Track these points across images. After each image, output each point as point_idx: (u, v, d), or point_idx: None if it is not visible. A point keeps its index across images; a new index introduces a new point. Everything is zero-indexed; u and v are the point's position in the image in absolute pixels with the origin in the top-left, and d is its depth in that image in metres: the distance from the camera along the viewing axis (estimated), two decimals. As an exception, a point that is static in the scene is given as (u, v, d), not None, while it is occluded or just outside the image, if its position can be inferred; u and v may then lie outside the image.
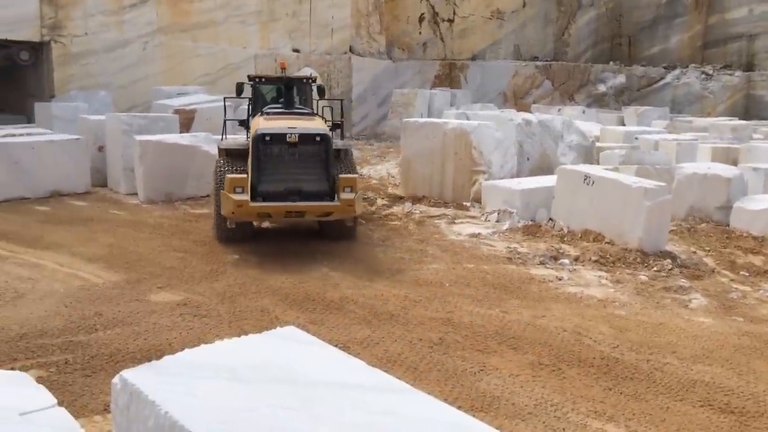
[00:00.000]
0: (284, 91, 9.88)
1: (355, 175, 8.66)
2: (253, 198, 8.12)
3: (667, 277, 8.10)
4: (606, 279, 7.90)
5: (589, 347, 5.73)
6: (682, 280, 8.01)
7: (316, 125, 8.88)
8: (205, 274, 7.48)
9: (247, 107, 10.31)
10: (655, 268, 8.36)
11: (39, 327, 5.71)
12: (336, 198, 8.30)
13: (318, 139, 8.45)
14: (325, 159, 8.48)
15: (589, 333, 6.06)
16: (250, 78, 10.11)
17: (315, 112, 9.98)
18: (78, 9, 17.30)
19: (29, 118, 16.28)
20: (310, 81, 10.39)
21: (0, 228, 9.25)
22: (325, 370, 3.00)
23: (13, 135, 12.40)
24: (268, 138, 8.31)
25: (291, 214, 8.35)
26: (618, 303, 7.05)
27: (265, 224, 9.98)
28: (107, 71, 17.85)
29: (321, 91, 10.15)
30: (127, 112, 15.54)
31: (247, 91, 10.01)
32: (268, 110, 9.49)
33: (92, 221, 9.98)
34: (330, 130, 9.74)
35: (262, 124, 8.75)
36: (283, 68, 10.59)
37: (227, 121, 10.07)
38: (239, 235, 8.85)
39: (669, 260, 8.62)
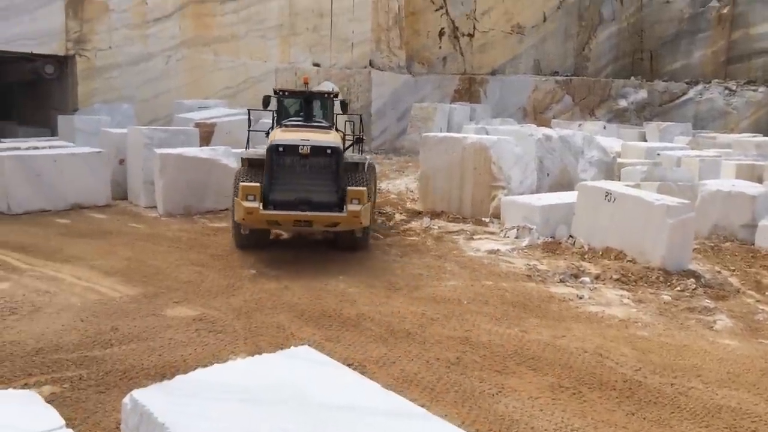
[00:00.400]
0: (304, 105, 10.24)
1: (363, 188, 8.75)
2: (266, 206, 8.42)
3: (690, 297, 7.93)
4: (628, 298, 7.74)
5: (611, 369, 5.59)
6: (707, 300, 7.83)
7: (329, 138, 9.11)
8: (221, 288, 7.45)
9: (272, 119, 10.65)
10: (678, 288, 8.19)
11: (55, 342, 5.70)
12: (344, 209, 8.51)
13: (329, 151, 8.72)
14: (335, 171, 8.75)
15: (611, 354, 5.92)
16: (275, 91, 10.45)
17: (333, 125, 10.18)
18: (103, 23, 17.54)
19: (53, 131, 16.48)
20: (332, 96, 10.68)
21: (20, 240, 9.31)
22: (339, 393, 2.93)
23: (36, 147, 12.54)
24: (281, 149, 8.66)
25: (299, 223, 8.60)
26: (640, 323, 6.89)
27: (284, 235, 10.08)
28: (130, 84, 18.05)
29: (344, 105, 10.51)
30: (149, 126, 15.67)
31: (274, 104, 10.35)
32: (287, 122, 9.91)
33: (111, 234, 10.02)
34: (352, 143, 10.39)
35: (278, 135, 9.15)
36: (306, 83, 10.87)
37: (251, 132, 10.44)
38: (254, 242, 9.17)
39: (693, 280, 8.45)
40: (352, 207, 8.46)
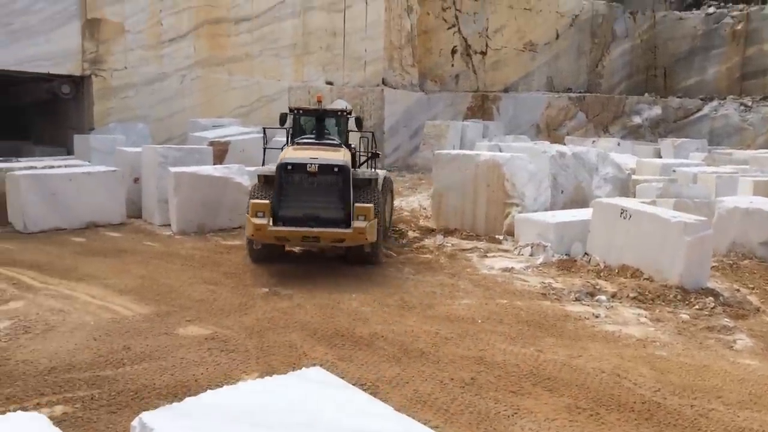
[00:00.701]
0: (316, 123, 10.40)
1: (370, 205, 8.87)
2: (275, 222, 8.68)
3: (709, 315, 7.79)
4: (645, 317, 7.62)
5: (629, 390, 5.48)
6: (726, 319, 7.69)
7: (338, 156, 9.24)
8: (234, 307, 7.42)
9: (286, 136, 10.92)
10: (696, 307, 8.05)
11: (67, 361, 5.69)
12: (351, 226, 8.71)
13: (336, 169, 8.90)
14: (342, 188, 8.93)
15: (629, 375, 5.81)
16: (290, 109, 10.68)
17: (342, 143, 10.28)
18: (118, 44, 17.76)
19: (69, 151, 16.64)
20: (345, 113, 10.81)
21: (35, 259, 9.36)
22: (351, 416, 2.88)
23: (52, 167, 12.65)
24: (290, 167, 8.89)
25: (307, 239, 8.85)
26: (658, 343, 6.77)
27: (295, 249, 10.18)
28: (145, 104, 18.23)
29: (358, 122, 10.67)
30: (164, 144, 15.79)
31: (289, 122, 10.56)
32: (300, 140, 10.09)
33: (126, 252, 10.05)
34: (367, 159, 10.72)
35: (288, 153, 9.35)
36: (320, 101, 11.09)
37: (267, 149, 10.72)
38: (267, 256, 9.43)
39: (711, 298, 8.31)
40: (357, 224, 8.66)
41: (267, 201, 8.75)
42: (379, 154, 11.24)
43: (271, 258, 9.47)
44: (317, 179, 8.91)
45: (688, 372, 6.00)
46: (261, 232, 8.57)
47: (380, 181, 10.29)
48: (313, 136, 10.20)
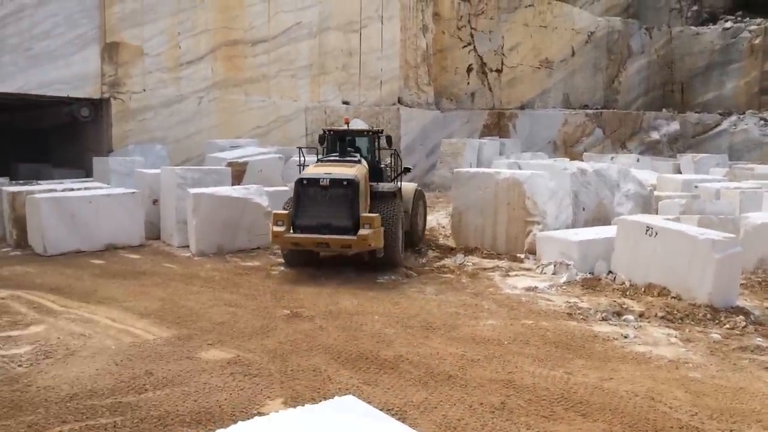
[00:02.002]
0: (339, 142, 11.59)
1: (375, 215, 9.95)
2: (294, 230, 9.88)
3: (741, 335, 7.59)
4: (675, 337, 7.43)
5: (665, 414, 5.30)
6: (758, 338, 7.48)
7: (350, 172, 10.20)
8: (255, 329, 7.33)
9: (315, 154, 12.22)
10: (727, 326, 7.85)
11: (89, 387, 5.60)
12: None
13: (345, 183, 9.95)
14: (351, 200, 9.91)
15: (663, 398, 5.62)
16: (323, 130, 12.12)
17: (369, 160, 11.33)
18: (137, 67, 17.90)
19: (88, 173, 16.72)
20: (372, 132, 12.01)
21: (55, 282, 9.34)
22: (387, 447, 2.76)
23: (72, 189, 12.70)
24: (305, 181, 10.07)
25: (319, 244, 10.00)
26: (691, 364, 6.58)
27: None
28: (163, 126, 18.32)
29: (389, 140, 11.59)
30: (182, 166, 15.82)
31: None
32: (323, 158, 11.28)
33: (145, 275, 10.01)
34: (399, 174, 11.77)
35: (308, 170, 10.60)
36: (347, 123, 12.16)
37: (304, 166, 11.45)
38: (301, 260, 10.66)
39: (742, 317, 8.11)
40: (362, 231, 9.68)
41: (286, 212, 10.05)
42: (410, 168, 12.43)
43: (305, 263, 10.63)
44: (329, 192, 9.94)
45: (725, 395, 5.81)
46: (279, 238, 9.88)
47: (412, 194, 11.87)
48: (336, 153, 11.34)
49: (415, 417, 5.11)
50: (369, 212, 10.19)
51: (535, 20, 27.72)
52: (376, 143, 11.79)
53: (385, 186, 11.09)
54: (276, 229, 9.81)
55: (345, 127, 11.96)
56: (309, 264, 10.65)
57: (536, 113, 27.36)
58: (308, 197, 9.98)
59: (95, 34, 17.13)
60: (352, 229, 9.77)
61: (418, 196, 12.32)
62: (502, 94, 27.47)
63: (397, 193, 11.11)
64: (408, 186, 12.16)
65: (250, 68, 20.17)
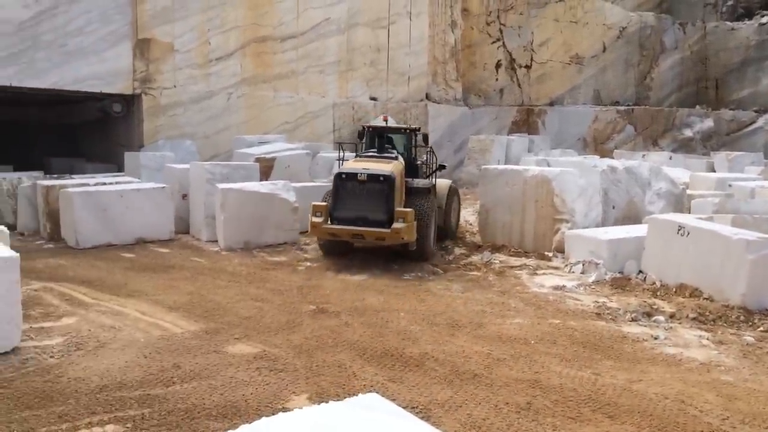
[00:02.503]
0: (377, 138, 12.14)
1: (409, 210, 10.32)
2: (331, 221, 10.37)
3: (775, 338, 7.41)
4: (707, 339, 7.28)
5: (695, 418, 5.20)
6: (794, 341, 7.30)
7: (386, 168, 10.58)
8: (281, 325, 7.36)
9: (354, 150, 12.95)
10: (761, 328, 7.67)
11: (118, 379, 5.68)
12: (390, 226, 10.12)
13: (381, 178, 10.36)
14: (387, 194, 10.33)
15: (694, 401, 5.52)
16: (363, 127, 12.54)
17: (406, 156, 11.81)
18: (168, 63, 18.11)
19: (119, 167, 16.97)
20: (408, 130, 12.39)
21: (87, 274, 9.49)
22: (411, 447, 2.74)
23: (104, 183, 12.89)
24: (344, 176, 10.52)
25: (354, 236, 10.39)
26: (723, 367, 6.44)
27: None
28: (193, 121, 18.51)
29: (425, 138, 12.11)
30: (210, 161, 15.96)
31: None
32: (361, 154, 11.89)
33: (174, 268, 10.12)
34: (435, 170, 12.21)
35: (347, 164, 11.13)
36: (385, 120, 12.59)
37: (343, 160, 11.97)
38: (336, 250, 11.11)
39: (776, 319, 7.91)
40: (396, 225, 10.10)
41: (325, 203, 10.57)
42: (445, 166, 12.90)
43: (341, 252, 11.08)
44: (366, 186, 10.38)
45: (757, 399, 5.68)
46: (316, 228, 10.36)
47: (447, 190, 12.38)
48: (374, 150, 11.82)
49: (440, 415, 5.09)
50: (404, 207, 10.57)
51: (566, 15, 27.39)
52: (413, 140, 12.23)
53: (420, 182, 11.53)
54: (315, 219, 10.31)
55: (383, 124, 12.42)
56: (344, 254, 11.09)
57: (566, 110, 27.06)
58: (346, 191, 10.45)
59: (127, 30, 17.37)
60: (386, 222, 10.21)
61: (452, 192, 12.77)
62: (531, 90, 27.22)
63: (431, 189, 11.62)
64: (442, 182, 12.58)
65: (278, 64, 20.27)
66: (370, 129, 12.44)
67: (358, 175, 10.40)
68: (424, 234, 10.68)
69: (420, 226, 10.53)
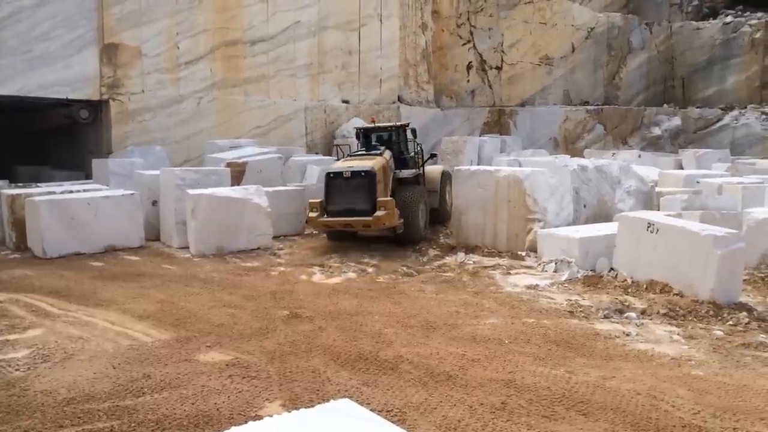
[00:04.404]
0: (363, 138, 13.82)
1: (389, 199, 11.79)
2: (325, 214, 11.86)
3: (744, 332, 7.52)
4: (678, 334, 7.36)
5: (668, 413, 5.24)
6: (762, 335, 7.41)
7: (370, 164, 11.97)
8: (254, 331, 7.28)
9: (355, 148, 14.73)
10: (730, 322, 7.78)
11: (86, 390, 5.56)
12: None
13: (363, 174, 11.79)
14: (369, 187, 11.72)
15: (666, 396, 5.56)
16: (356, 129, 14.38)
17: (382, 152, 12.81)
18: (135, 68, 17.85)
19: (87, 175, 16.68)
20: (397, 127, 13.98)
21: (54, 284, 9.30)
22: (383, 452, 2.71)
23: (71, 191, 12.66)
24: (331, 174, 12.05)
25: (346, 225, 11.86)
26: (694, 362, 6.52)
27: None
28: (162, 127, 18.26)
29: (414, 133, 13.78)
30: (181, 167, 15.77)
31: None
32: (351, 153, 13.43)
33: (144, 276, 9.97)
34: (428, 159, 14.22)
35: (336, 164, 12.79)
36: (373, 121, 14.61)
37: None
38: (338, 236, 12.71)
39: (745, 313, 8.04)
40: (378, 213, 11.50)
41: (319, 200, 11.99)
42: (436, 154, 15.75)
43: (342, 237, 12.66)
44: (351, 182, 11.80)
45: (728, 392, 5.75)
46: (313, 221, 12.00)
47: (439, 175, 14.14)
48: (364, 148, 13.47)
49: (415, 418, 5.06)
50: (390, 196, 12.07)
51: (535, 17, 27.62)
52: (400, 136, 13.80)
53: (407, 173, 13.08)
54: (311, 214, 11.91)
55: (372, 124, 14.37)
56: (349, 239, 12.69)
57: (537, 110, 27.28)
58: (335, 187, 11.91)
59: (93, 35, 17.09)
60: (371, 211, 11.57)
61: (445, 176, 14.36)
62: (503, 91, 27.39)
63: (418, 178, 13.26)
64: (435, 168, 14.46)
65: (249, 68, 20.12)
66: (362, 130, 14.02)
67: (344, 173, 11.87)
68: (412, 218, 12.16)
69: (408, 212, 12.07)
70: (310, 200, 12.22)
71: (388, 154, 12.83)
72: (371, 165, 11.89)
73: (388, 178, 12.35)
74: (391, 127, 14.10)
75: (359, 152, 13.17)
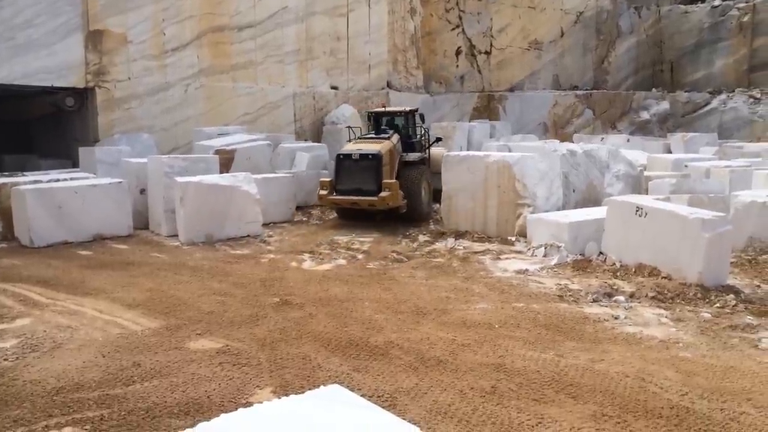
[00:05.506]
0: (373, 122, 14.75)
1: (393, 180, 12.75)
2: (335, 193, 12.93)
3: (731, 314, 7.59)
4: (666, 317, 7.42)
5: (656, 395, 5.29)
6: (749, 317, 7.49)
7: (376, 147, 13.00)
8: (244, 318, 7.27)
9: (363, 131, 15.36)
10: (717, 305, 7.85)
11: (76, 380, 5.53)
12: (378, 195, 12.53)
13: (370, 156, 12.81)
14: (376, 169, 12.72)
15: (654, 378, 5.61)
16: (367, 113, 15.47)
17: (390, 136, 13.69)
18: (121, 55, 17.66)
19: (74, 163, 16.53)
20: (405, 112, 14.71)
21: (42, 274, 9.23)
22: (373, 437, 2.71)
23: (58, 180, 12.55)
24: (341, 156, 13.13)
25: (352, 204, 12.93)
26: (682, 344, 6.57)
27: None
28: (150, 114, 18.09)
29: (422, 118, 15.02)
30: (169, 154, 15.65)
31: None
32: (360, 136, 14.29)
33: (133, 265, 9.92)
34: (433, 142, 15.30)
35: (346, 146, 13.80)
36: (383, 106, 16.06)
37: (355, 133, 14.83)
38: (343, 214, 13.85)
39: (732, 295, 8.11)
40: (382, 194, 12.49)
41: (329, 179, 13.09)
42: (441, 138, 16.19)
43: (351, 215, 13.56)
44: (359, 163, 12.81)
45: (715, 374, 5.80)
46: (322, 199, 13.19)
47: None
48: (373, 132, 14.36)
49: (406, 403, 5.08)
50: (396, 178, 12.99)
51: (524, 1, 27.54)
52: (410, 120, 14.59)
53: (412, 156, 13.94)
54: (321, 192, 13.03)
55: (382, 109, 15.45)
56: (359, 217, 13.42)
57: (526, 95, 27.27)
58: (344, 168, 12.93)
59: (78, 22, 16.86)
60: (376, 191, 12.54)
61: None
62: (492, 76, 27.34)
63: (424, 161, 14.30)
64: (440, 151, 15.10)
65: (236, 54, 19.95)
66: (373, 114, 14.95)
67: (353, 154, 12.90)
68: (416, 197, 13.17)
69: (412, 192, 13.07)
70: (321, 179, 13.37)
71: (395, 137, 13.70)
72: (378, 148, 12.89)
73: (394, 161, 13.27)
74: (400, 111, 14.83)
75: (369, 135, 14.09)
